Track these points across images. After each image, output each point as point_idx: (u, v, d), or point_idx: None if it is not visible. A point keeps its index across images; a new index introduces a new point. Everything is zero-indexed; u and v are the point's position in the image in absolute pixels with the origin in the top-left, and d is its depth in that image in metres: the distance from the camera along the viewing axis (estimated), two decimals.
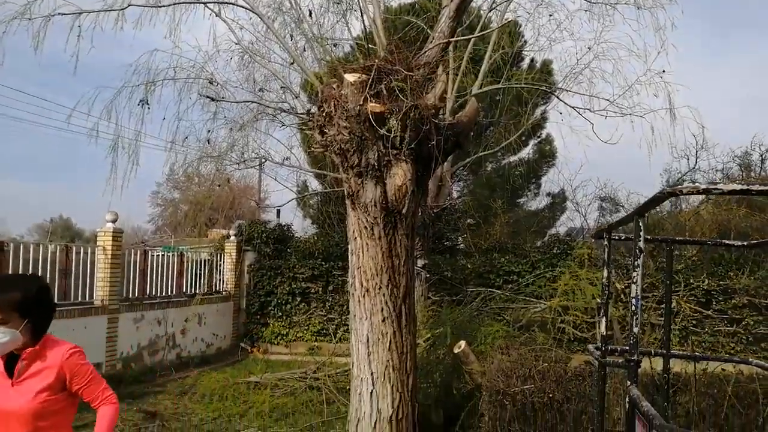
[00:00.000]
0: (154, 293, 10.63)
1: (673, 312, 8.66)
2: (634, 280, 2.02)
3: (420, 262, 10.86)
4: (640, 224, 2.03)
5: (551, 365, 4.35)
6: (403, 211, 5.46)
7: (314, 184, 16.59)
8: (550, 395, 4.00)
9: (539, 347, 5.30)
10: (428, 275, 11.27)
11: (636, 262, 2.02)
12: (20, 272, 7.69)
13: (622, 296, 8.75)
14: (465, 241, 13.73)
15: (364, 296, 5.56)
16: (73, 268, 8.76)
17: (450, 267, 11.86)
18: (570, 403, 4.00)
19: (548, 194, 17.84)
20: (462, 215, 14.21)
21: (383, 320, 5.49)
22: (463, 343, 6.24)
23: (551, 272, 9.66)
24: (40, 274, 8.01)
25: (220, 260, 12.92)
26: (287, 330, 12.69)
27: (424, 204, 9.98)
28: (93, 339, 8.81)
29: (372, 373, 5.49)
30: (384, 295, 5.50)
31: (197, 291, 11.85)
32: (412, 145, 5.17)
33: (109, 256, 9.18)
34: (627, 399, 2.04)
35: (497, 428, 4.10)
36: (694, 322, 9.86)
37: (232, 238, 13.15)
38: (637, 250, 2.02)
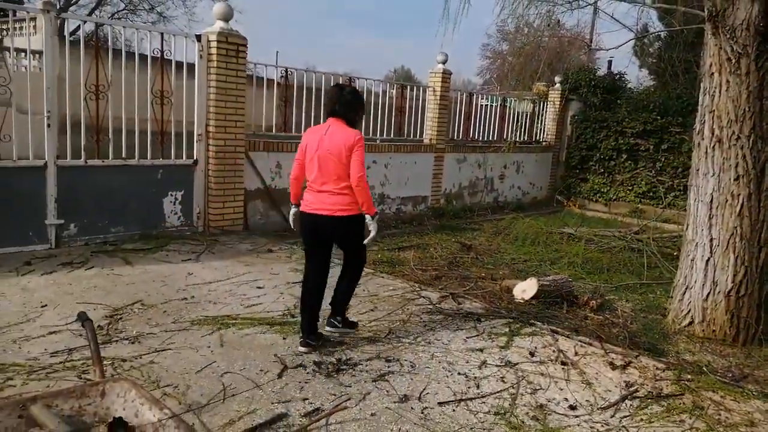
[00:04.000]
0: (476, 137, 10.91)
1: None
2: None
3: None
4: None
5: None
6: None
7: (657, 27, 14.27)
8: None
9: None
10: None
11: None
12: (372, 108, 8.62)
13: None
14: None
15: (714, 147, 4.56)
16: (407, 108, 9.43)
17: None
18: None
19: None
20: None
21: (736, 178, 4.48)
22: None
23: None
24: (380, 109, 8.86)
25: (543, 109, 12.45)
26: (608, 188, 11.86)
27: None
28: (421, 173, 9.63)
29: (712, 239, 4.64)
30: (742, 147, 4.42)
31: (517, 139, 11.77)
32: None
33: (438, 97, 9.58)
34: None
35: None
36: None
37: (557, 85, 12.42)
38: None
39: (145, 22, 21.07)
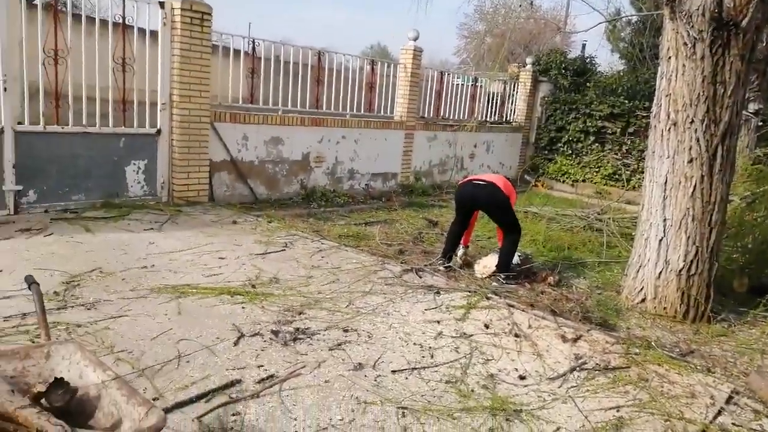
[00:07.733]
0: (447, 115, 10.95)
1: None
2: None
3: (752, 107, 8.83)
4: None
5: None
6: (743, 23, 4.21)
7: (629, 11, 14.43)
8: None
9: None
10: (760, 124, 9.16)
11: None
12: (334, 81, 8.54)
13: None
14: None
15: (669, 130, 4.68)
16: (377, 84, 9.39)
17: None
18: None
19: None
20: None
21: (690, 161, 4.61)
22: None
23: None
24: (350, 84, 8.80)
25: (514, 90, 12.53)
26: (575, 169, 12.06)
27: None
28: (391, 150, 9.65)
29: (665, 220, 4.79)
30: (696, 131, 4.54)
31: (487, 119, 11.85)
32: None
33: (409, 74, 9.57)
34: None
35: None
36: None
37: (528, 66, 12.49)
38: None
39: None
